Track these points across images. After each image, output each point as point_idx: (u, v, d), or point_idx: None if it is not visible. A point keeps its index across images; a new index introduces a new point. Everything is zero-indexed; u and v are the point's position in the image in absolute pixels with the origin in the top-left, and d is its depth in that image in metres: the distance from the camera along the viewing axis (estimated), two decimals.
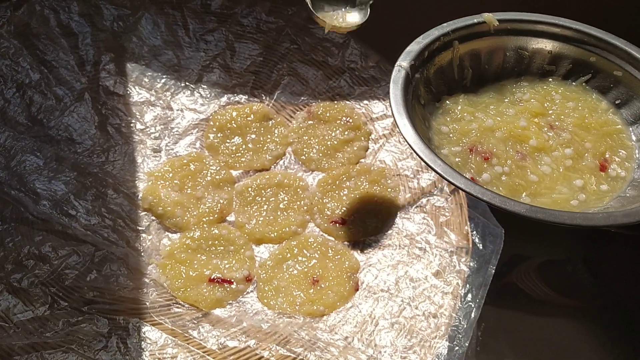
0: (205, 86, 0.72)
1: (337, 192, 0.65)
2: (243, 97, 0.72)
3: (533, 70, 0.57)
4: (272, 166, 0.68)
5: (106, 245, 0.58)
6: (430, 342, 0.53)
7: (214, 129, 0.69)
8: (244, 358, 0.52)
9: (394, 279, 0.58)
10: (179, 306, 0.56)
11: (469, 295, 0.55)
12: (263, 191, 0.65)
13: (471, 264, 0.57)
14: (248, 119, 0.70)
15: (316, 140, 0.69)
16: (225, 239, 0.61)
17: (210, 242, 0.61)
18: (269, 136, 0.70)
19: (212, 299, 0.57)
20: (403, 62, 0.51)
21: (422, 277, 0.57)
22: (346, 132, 0.69)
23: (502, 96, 0.56)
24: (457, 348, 0.52)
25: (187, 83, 0.72)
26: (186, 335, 0.53)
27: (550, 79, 0.57)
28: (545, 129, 0.53)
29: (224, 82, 0.73)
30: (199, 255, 0.60)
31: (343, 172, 0.66)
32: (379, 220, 0.63)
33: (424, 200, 0.63)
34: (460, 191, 0.62)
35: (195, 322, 0.55)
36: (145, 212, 0.63)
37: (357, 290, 0.58)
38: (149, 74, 0.71)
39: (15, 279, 0.54)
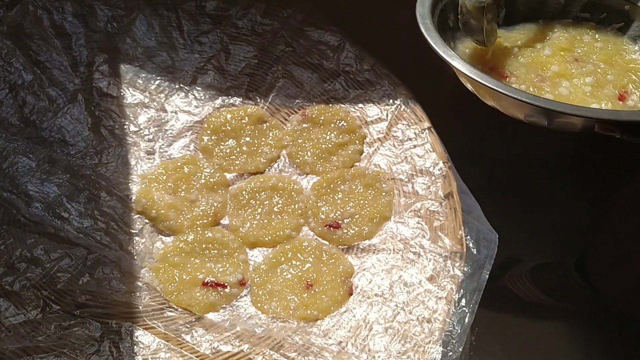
0: (199, 88, 0.72)
1: (331, 195, 0.65)
2: (237, 100, 0.72)
3: (567, 16, 0.58)
4: (267, 169, 0.68)
5: (99, 248, 0.58)
6: (424, 347, 0.53)
7: (208, 132, 0.69)
8: None
9: (388, 283, 0.58)
10: (172, 310, 0.56)
11: (463, 300, 0.55)
12: (257, 194, 0.65)
13: (465, 269, 0.57)
14: (242, 121, 0.70)
15: (311, 143, 0.69)
16: (219, 242, 0.61)
17: (203, 246, 0.61)
18: (263, 139, 0.69)
19: (205, 302, 0.57)
20: None
21: (416, 282, 0.57)
22: (341, 136, 0.69)
23: (533, 34, 0.58)
24: (450, 353, 0.52)
25: (181, 85, 0.72)
26: (179, 339, 0.53)
27: (583, 24, 0.58)
28: (569, 59, 0.54)
29: (219, 84, 0.72)
30: (192, 259, 0.60)
31: (337, 175, 0.66)
32: (373, 224, 0.63)
33: (418, 205, 0.63)
34: (454, 196, 0.62)
35: (189, 326, 0.55)
36: (139, 215, 0.62)
37: (351, 294, 0.58)
38: (143, 75, 0.71)
39: (7, 282, 0.53)
